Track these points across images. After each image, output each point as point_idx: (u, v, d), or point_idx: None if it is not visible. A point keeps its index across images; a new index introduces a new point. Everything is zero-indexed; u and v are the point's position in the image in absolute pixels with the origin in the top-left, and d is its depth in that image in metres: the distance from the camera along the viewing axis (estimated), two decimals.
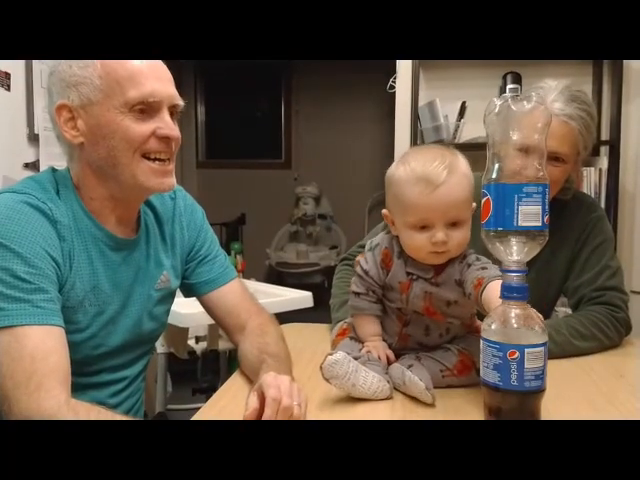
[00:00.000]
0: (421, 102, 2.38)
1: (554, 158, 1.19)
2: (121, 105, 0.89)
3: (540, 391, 0.78)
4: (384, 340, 1.04)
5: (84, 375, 0.96)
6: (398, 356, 1.03)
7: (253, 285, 2.32)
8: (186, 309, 1.81)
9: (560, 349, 1.14)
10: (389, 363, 1.00)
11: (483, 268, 0.93)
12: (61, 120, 0.92)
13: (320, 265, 4.62)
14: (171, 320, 2.20)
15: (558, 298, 1.38)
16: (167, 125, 0.93)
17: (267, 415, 0.82)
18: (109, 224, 0.98)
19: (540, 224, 0.80)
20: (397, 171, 0.96)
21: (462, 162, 0.96)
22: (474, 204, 0.96)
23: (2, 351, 0.81)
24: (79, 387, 0.91)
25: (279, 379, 0.86)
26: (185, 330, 2.14)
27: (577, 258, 1.30)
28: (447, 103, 2.34)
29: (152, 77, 0.91)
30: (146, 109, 0.91)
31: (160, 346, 2.25)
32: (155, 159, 0.93)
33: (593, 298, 1.26)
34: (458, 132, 2.35)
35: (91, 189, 0.96)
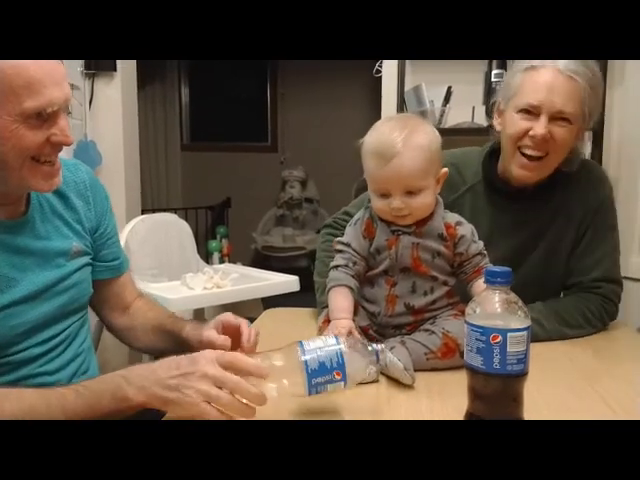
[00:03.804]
0: (407, 87, 2.37)
1: (559, 118, 1.14)
2: (16, 114, 0.86)
3: (522, 375, 0.79)
4: (372, 311, 1.06)
5: (12, 354, 0.96)
6: (382, 335, 1.06)
7: (239, 269, 2.32)
8: (172, 294, 1.81)
9: (548, 336, 1.17)
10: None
11: (482, 255, 1.05)
12: None
13: (306, 249, 4.62)
14: None
15: (568, 277, 1.30)
16: (62, 132, 0.91)
17: (246, 335, 0.99)
18: None
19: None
20: (364, 141, 1.04)
21: (421, 133, 1.01)
22: (445, 169, 1.04)
23: None
24: (13, 365, 0.95)
25: (236, 315, 1.02)
26: None
27: (583, 237, 1.24)
28: (433, 88, 2.34)
29: (50, 83, 0.87)
30: (42, 116, 0.88)
31: None
32: (44, 161, 0.92)
33: (591, 288, 1.23)
34: (444, 117, 2.35)
35: None
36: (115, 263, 1.18)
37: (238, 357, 0.81)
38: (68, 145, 0.94)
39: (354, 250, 1.06)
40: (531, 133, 1.15)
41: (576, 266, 1.25)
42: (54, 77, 0.89)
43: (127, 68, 2.59)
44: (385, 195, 1.02)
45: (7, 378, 0.96)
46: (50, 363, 1.02)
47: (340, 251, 1.08)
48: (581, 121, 1.16)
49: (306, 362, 0.79)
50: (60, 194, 1.07)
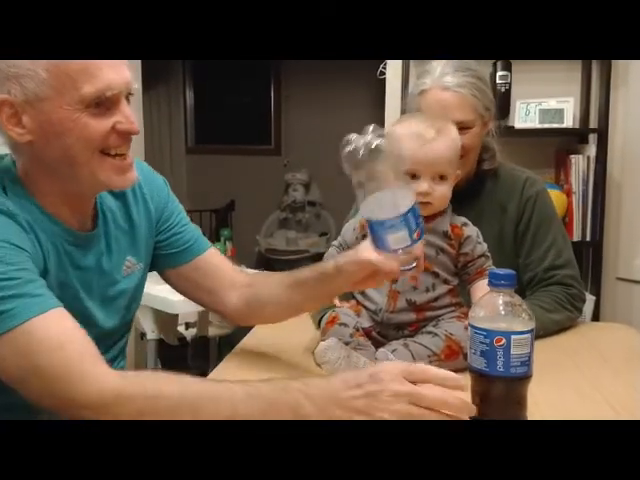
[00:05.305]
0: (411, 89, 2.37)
1: (459, 128, 1.26)
2: (76, 102, 0.82)
3: (526, 377, 0.79)
4: (374, 309, 1.07)
5: None
6: (385, 337, 1.05)
7: None
8: (176, 296, 1.80)
9: (539, 323, 1.17)
10: None
11: (486, 257, 1.08)
12: (3, 117, 0.83)
13: (309, 252, 4.62)
14: (161, 306, 2.21)
15: (524, 274, 1.40)
16: (127, 119, 0.87)
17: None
18: (62, 217, 0.92)
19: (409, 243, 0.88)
20: (395, 128, 1.10)
21: (452, 128, 1.09)
22: (458, 171, 1.10)
23: (25, 352, 0.75)
24: None
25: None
26: (175, 317, 2.15)
27: (524, 236, 1.34)
28: None
29: (106, 66, 0.84)
30: (103, 102, 0.85)
31: (150, 332, 2.25)
32: (115, 155, 0.88)
33: (545, 279, 1.31)
34: None
35: (42, 185, 0.89)
36: (186, 247, 1.10)
37: (427, 370, 0.75)
38: (135, 133, 0.89)
39: (344, 239, 1.15)
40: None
41: (528, 262, 1.34)
42: (109, 60, 0.86)
43: (131, 71, 2.60)
44: (413, 178, 1.04)
45: None
46: None
47: (340, 235, 1.17)
48: (480, 120, 1.31)
49: None
50: (122, 200, 1.02)
